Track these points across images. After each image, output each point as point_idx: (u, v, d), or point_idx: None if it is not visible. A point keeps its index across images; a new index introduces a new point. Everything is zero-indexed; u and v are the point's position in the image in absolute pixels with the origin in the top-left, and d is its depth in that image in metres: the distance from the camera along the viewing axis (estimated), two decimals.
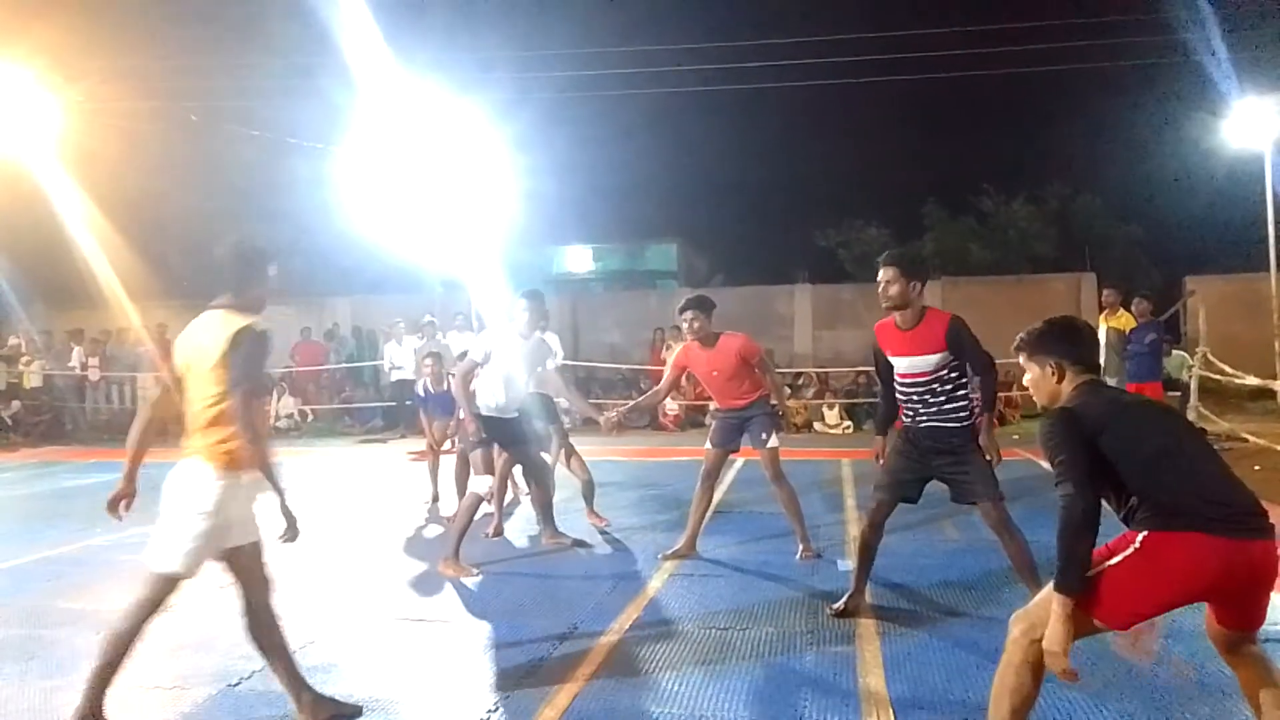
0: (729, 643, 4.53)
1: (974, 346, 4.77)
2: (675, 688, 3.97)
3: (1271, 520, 2.81)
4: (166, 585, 3.43)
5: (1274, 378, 12.18)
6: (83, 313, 17.27)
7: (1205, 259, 16.91)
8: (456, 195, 15.45)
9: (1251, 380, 10.92)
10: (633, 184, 28.58)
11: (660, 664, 4.26)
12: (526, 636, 4.69)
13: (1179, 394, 10.73)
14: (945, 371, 4.74)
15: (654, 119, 30.97)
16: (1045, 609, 2.82)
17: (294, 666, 3.62)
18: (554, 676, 4.12)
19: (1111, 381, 9.91)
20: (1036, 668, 2.87)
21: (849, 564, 5.50)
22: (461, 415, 6.28)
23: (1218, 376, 10.84)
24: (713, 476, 6.30)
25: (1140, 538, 2.77)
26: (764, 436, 6.05)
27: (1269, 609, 2.91)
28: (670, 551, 6.23)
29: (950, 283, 17.16)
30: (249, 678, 4.19)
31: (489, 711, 3.80)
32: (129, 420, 16.08)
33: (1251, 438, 9.97)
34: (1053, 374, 3.07)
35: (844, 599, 4.94)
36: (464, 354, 6.82)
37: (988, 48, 22.76)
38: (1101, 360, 9.82)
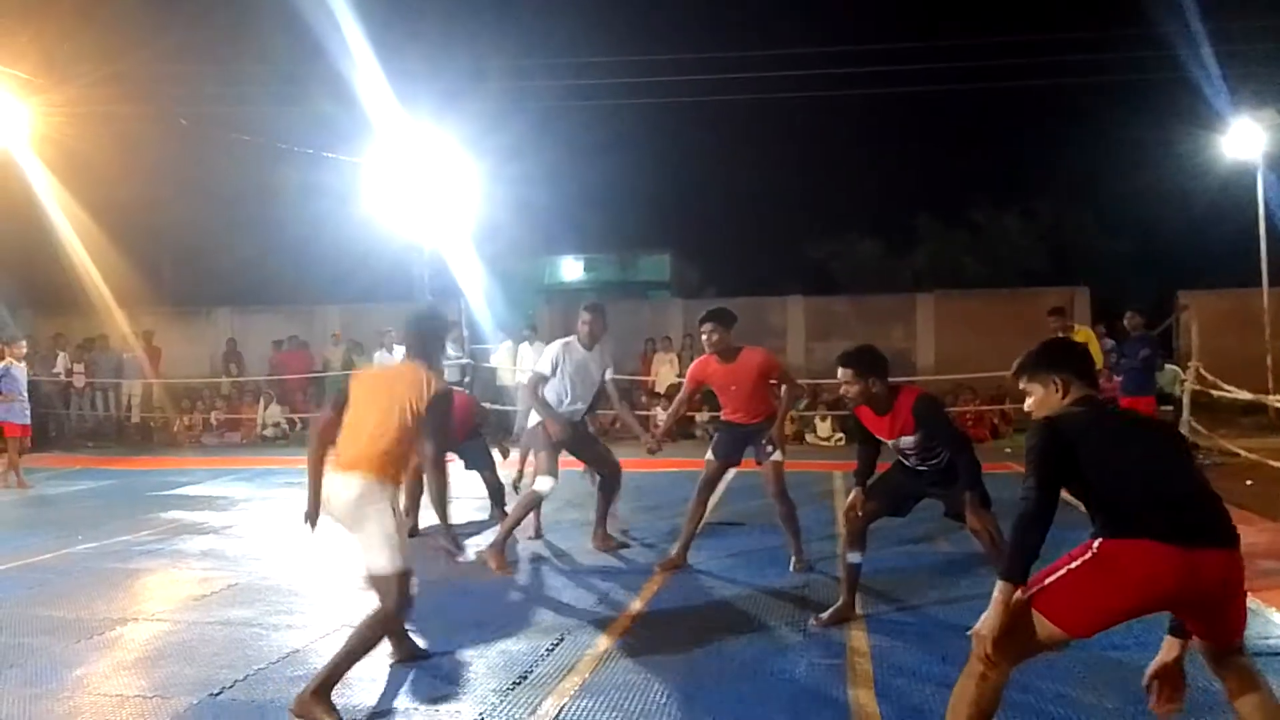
0: (718, 654, 4.48)
1: (943, 427, 4.79)
2: (663, 699, 3.92)
3: (1238, 533, 2.85)
4: (403, 581, 3.87)
5: (1266, 392, 12.20)
6: (68, 318, 17.16)
7: (1198, 274, 16.93)
8: (448, 204, 15.42)
9: (1244, 395, 10.92)
10: (625, 195, 28.59)
11: (649, 675, 4.20)
12: (515, 646, 4.64)
13: (1171, 408, 10.73)
14: (931, 443, 4.78)
15: (647, 130, 31.05)
16: (1005, 618, 2.85)
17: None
18: (541, 687, 4.07)
19: None
20: (998, 680, 2.91)
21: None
22: (540, 419, 6.45)
23: (1210, 391, 10.84)
24: (711, 487, 6.27)
25: (1097, 544, 2.85)
26: (769, 450, 6.02)
27: (1245, 621, 2.94)
28: (664, 561, 6.19)
29: (942, 296, 17.17)
30: (230, 687, 4.12)
31: None
32: (113, 427, 16.01)
33: (1244, 452, 9.96)
34: (1057, 391, 3.14)
35: (831, 609, 4.90)
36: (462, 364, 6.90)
37: (981, 62, 22.84)
38: None
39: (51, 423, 15.81)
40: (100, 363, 16.07)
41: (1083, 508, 2.99)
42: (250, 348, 17.35)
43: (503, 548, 6.28)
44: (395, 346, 13.89)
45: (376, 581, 3.91)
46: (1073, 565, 2.86)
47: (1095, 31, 23.13)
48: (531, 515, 6.94)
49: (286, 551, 7.04)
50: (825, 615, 4.88)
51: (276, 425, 15.65)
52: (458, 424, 6.54)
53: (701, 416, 14.46)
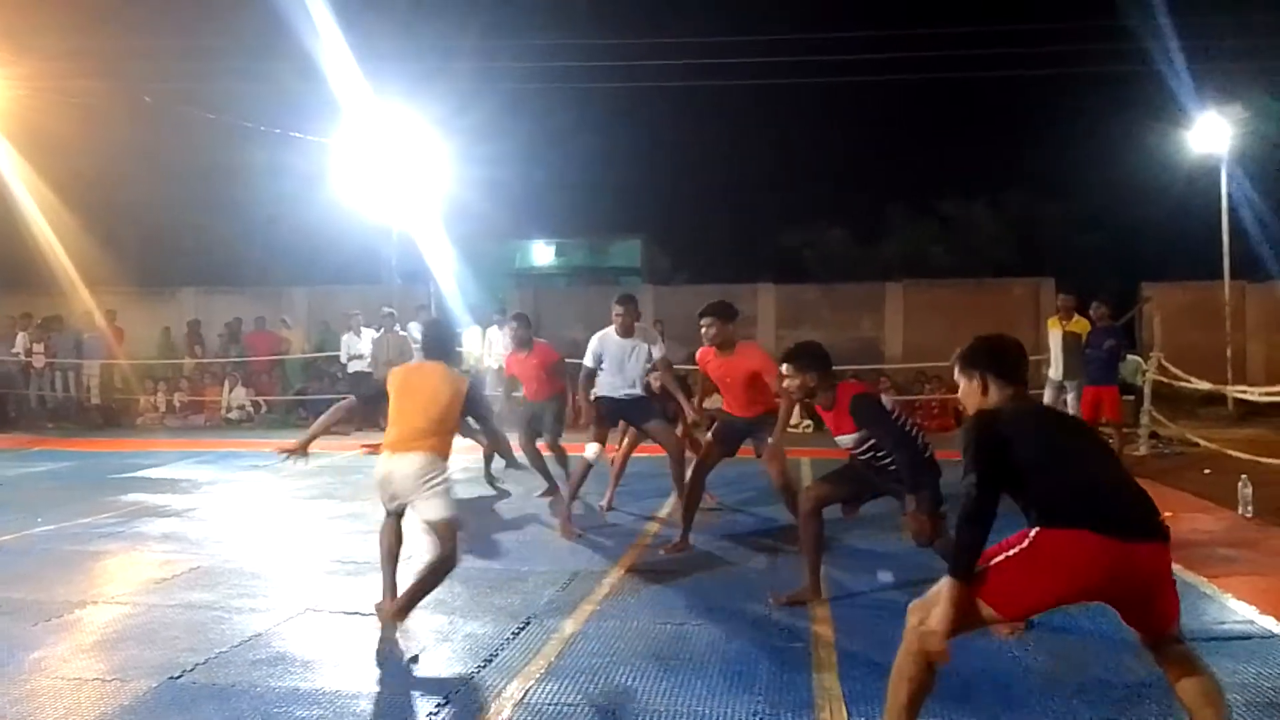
0: (685, 638, 4.49)
1: (880, 425, 4.70)
2: (629, 682, 3.92)
3: (1166, 525, 2.93)
4: (454, 526, 4.60)
5: (1225, 384, 12.39)
6: (31, 297, 16.83)
7: (1163, 267, 17.16)
8: (418, 186, 15.29)
9: (1204, 386, 11.08)
10: (597, 179, 28.48)
11: (615, 659, 4.20)
12: (480, 630, 4.62)
13: (1133, 398, 10.87)
14: (873, 440, 4.79)
15: (619, 114, 30.90)
16: (955, 614, 2.93)
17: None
18: (507, 670, 4.06)
19: (1070, 385, 10.07)
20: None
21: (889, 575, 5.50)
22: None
23: (1171, 382, 10.99)
24: (706, 471, 6.30)
25: (1033, 534, 2.92)
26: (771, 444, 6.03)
27: (1178, 610, 2.98)
28: (670, 545, 6.24)
29: (911, 285, 17.27)
30: (191, 670, 4.07)
31: (440, 705, 3.72)
32: (74, 408, 15.76)
33: (1203, 442, 10.11)
34: (978, 387, 3.24)
35: (795, 590, 4.96)
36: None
37: (953, 52, 22.92)
38: (1060, 364, 10.07)
39: (11, 403, 15.55)
40: (58, 343, 15.77)
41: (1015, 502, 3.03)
42: (215, 329, 17.12)
43: (568, 516, 6.86)
44: (363, 329, 13.78)
45: (437, 526, 4.55)
46: (1011, 553, 2.92)
47: (1065, 25, 23.27)
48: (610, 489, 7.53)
49: (249, 535, 6.98)
50: (784, 595, 4.95)
51: (241, 408, 15.47)
52: (543, 371, 7.92)
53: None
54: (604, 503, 7.55)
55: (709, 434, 6.40)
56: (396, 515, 4.72)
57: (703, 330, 6.23)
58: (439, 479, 4.55)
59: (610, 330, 6.88)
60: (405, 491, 4.54)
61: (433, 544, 4.61)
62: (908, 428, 4.71)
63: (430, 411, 4.61)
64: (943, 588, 2.93)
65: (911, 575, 5.57)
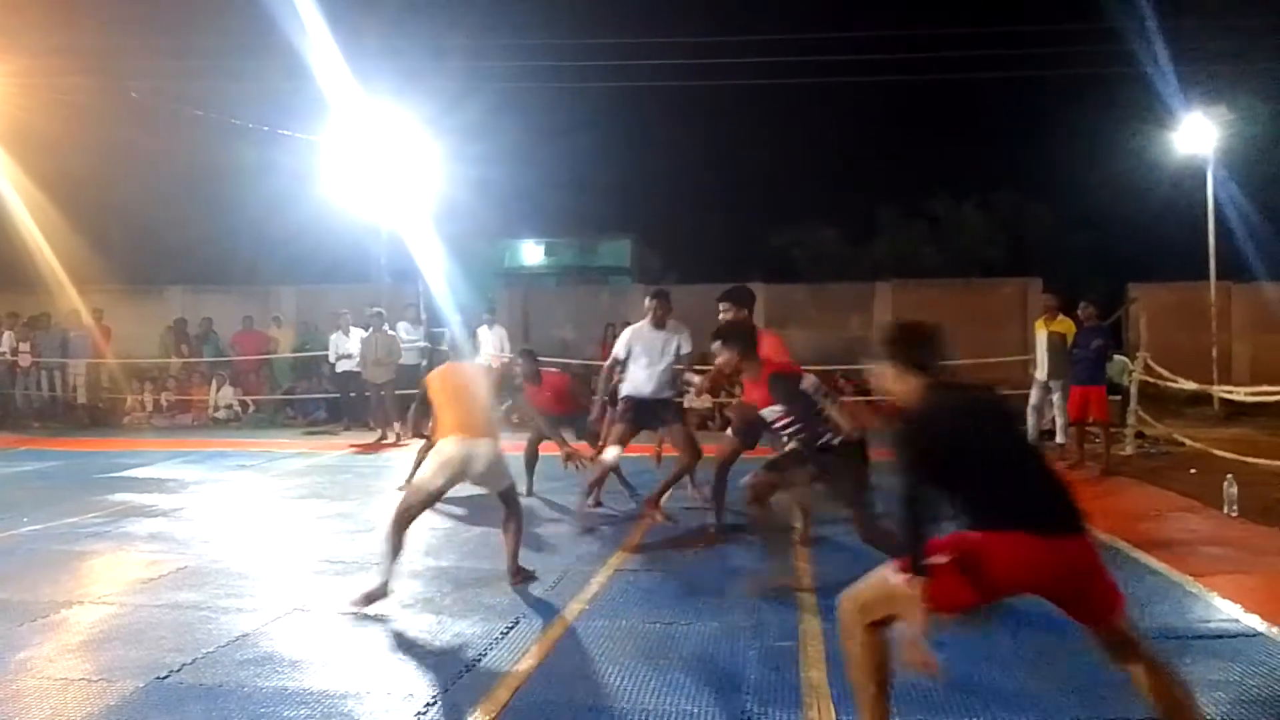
0: (673, 637, 4.50)
1: (790, 399, 5.04)
2: (617, 682, 3.93)
3: (1085, 517, 2.99)
4: (515, 488, 5.51)
5: (1211, 384, 12.47)
6: (17, 295, 16.71)
7: (1149, 267, 17.24)
8: (407, 184, 15.24)
9: (1190, 386, 11.15)
10: (587, 179, 28.44)
11: (603, 658, 4.21)
12: (469, 629, 4.62)
13: (1119, 398, 10.92)
14: (791, 416, 5.06)
15: (609, 113, 30.96)
16: (876, 589, 3.02)
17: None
18: (495, 670, 4.06)
19: (1055, 384, 10.12)
20: (877, 637, 3.06)
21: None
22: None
23: (1157, 382, 11.05)
24: (730, 465, 6.39)
25: (969, 535, 2.96)
26: (785, 440, 6.07)
27: (1118, 600, 3.07)
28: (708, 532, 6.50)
29: (900, 285, 17.31)
30: (179, 670, 4.06)
31: (428, 705, 3.72)
32: (60, 408, 15.64)
33: (1189, 441, 10.17)
34: (891, 372, 3.24)
35: (765, 577, 5.19)
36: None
37: (943, 54, 23.00)
38: (1045, 364, 10.12)
39: None
40: (44, 341, 15.67)
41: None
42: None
43: (587, 495, 7.26)
44: (351, 328, 13.74)
45: (505, 493, 5.36)
46: (948, 557, 2.93)
47: (1053, 28, 23.37)
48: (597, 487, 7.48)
49: (237, 535, 6.95)
50: (758, 585, 5.10)
51: (229, 407, 15.41)
52: (559, 402, 8.01)
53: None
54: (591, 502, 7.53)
55: (729, 429, 6.52)
56: (435, 500, 5.25)
57: (721, 317, 6.25)
58: (502, 456, 5.29)
59: (643, 323, 7.07)
60: (487, 469, 5.19)
61: (504, 508, 5.40)
62: (817, 410, 5.00)
63: (486, 403, 5.40)
64: (902, 591, 2.91)
65: None
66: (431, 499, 5.17)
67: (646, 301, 7.17)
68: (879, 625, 3.05)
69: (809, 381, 5.21)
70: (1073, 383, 9.67)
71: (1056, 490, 3.00)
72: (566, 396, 8.31)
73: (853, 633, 3.08)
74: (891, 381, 3.24)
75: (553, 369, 8.77)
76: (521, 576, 5.41)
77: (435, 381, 5.52)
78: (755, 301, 6.52)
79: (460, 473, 5.13)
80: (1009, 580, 2.96)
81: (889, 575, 2.99)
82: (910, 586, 2.89)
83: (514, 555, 5.43)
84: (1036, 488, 2.99)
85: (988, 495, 2.96)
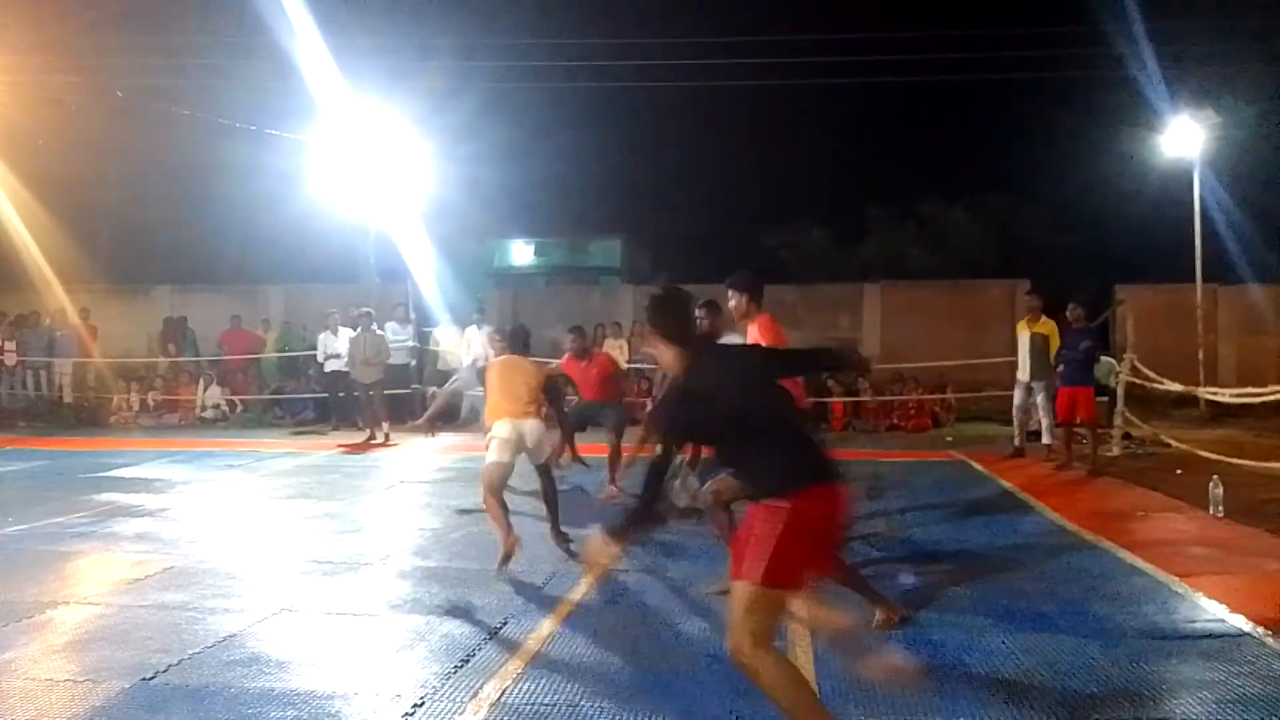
0: (662, 637, 4.50)
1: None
2: (606, 682, 3.93)
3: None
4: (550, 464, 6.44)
5: (1197, 385, 12.52)
6: (2, 294, 16.61)
7: (1137, 269, 17.31)
8: (396, 184, 15.20)
9: (1176, 387, 11.19)
10: (577, 178, 28.38)
11: (591, 660, 4.21)
12: (457, 630, 4.61)
13: (1106, 399, 10.96)
14: None
15: (599, 113, 30.87)
16: (744, 614, 3.00)
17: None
18: (483, 671, 4.05)
19: (1038, 385, 10.19)
20: (775, 654, 3.08)
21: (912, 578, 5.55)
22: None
23: (1144, 383, 11.09)
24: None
25: (777, 505, 3.03)
26: None
27: None
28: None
29: (889, 286, 17.35)
30: (164, 671, 4.04)
31: (415, 706, 3.71)
32: (46, 407, 15.53)
33: (1175, 443, 10.22)
34: (663, 344, 3.33)
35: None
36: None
37: (932, 56, 23.07)
38: (1028, 365, 10.18)
39: None
40: (31, 340, 15.57)
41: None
42: (191, 327, 16.94)
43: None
44: (340, 328, 13.69)
45: (543, 468, 6.24)
46: (773, 534, 2.99)
47: (1042, 31, 23.43)
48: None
49: (224, 535, 6.92)
50: (714, 588, 4.97)
51: (216, 406, 15.33)
52: (603, 384, 8.40)
53: None
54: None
55: None
56: (510, 473, 5.98)
57: (730, 304, 6.06)
58: (545, 431, 6.13)
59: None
60: (534, 444, 6.03)
61: (540, 478, 6.27)
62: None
63: (533, 392, 6.09)
64: (748, 598, 3.01)
65: (886, 578, 5.61)
66: (507, 472, 5.92)
67: (697, 311, 6.99)
68: (770, 639, 3.05)
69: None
70: (1061, 384, 9.71)
71: (819, 442, 3.24)
72: (610, 381, 8.51)
73: (757, 667, 2.99)
74: (660, 352, 3.36)
75: (604, 352, 8.90)
76: (563, 540, 6.12)
77: (491, 372, 6.20)
78: (762, 289, 6.09)
79: (518, 447, 5.97)
80: (832, 533, 3.21)
81: (736, 592, 3.05)
82: (767, 585, 2.98)
83: (555, 521, 6.24)
84: (810, 441, 3.21)
85: (783, 457, 3.10)
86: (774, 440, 3.14)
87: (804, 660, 4.14)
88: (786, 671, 3.06)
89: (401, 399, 14.01)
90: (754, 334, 5.81)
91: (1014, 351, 10.67)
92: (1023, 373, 10.40)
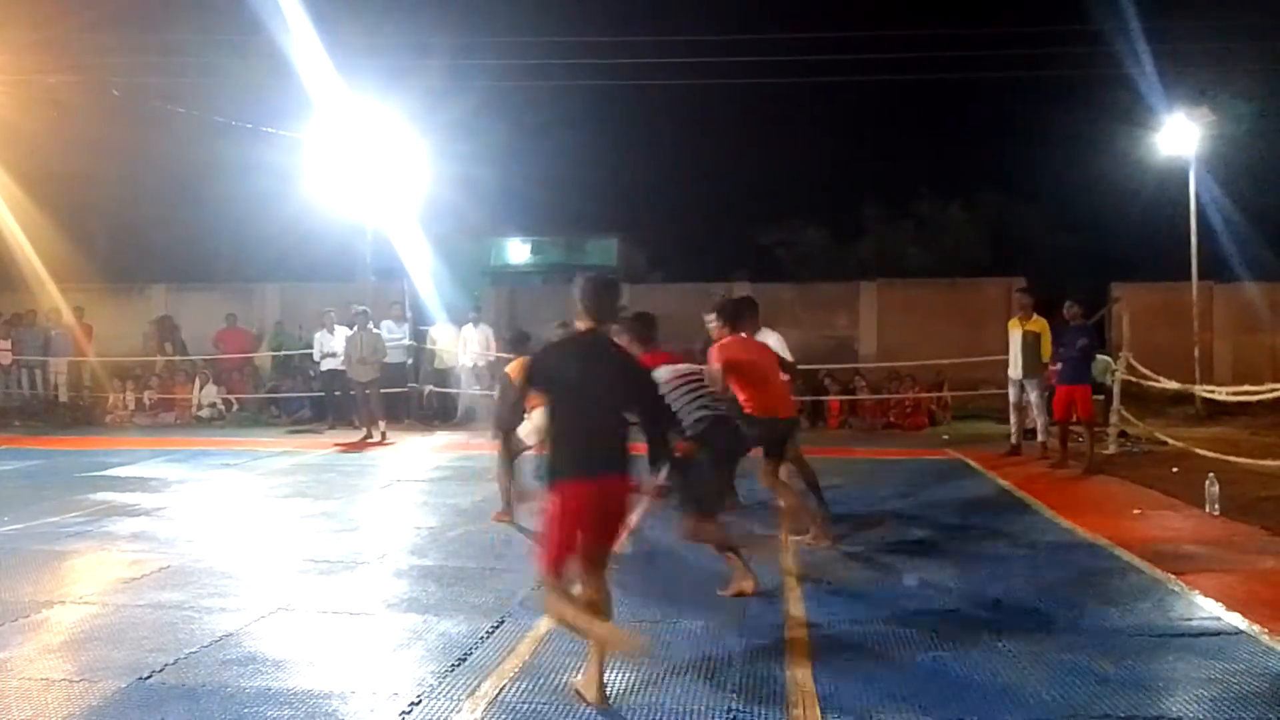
0: (658, 636, 4.49)
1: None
2: (604, 680, 3.91)
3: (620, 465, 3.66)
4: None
5: (1193, 383, 12.54)
6: None
7: (1133, 267, 17.32)
8: (392, 182, 15.18)
9: (1172, 385, 11.22)
10: (573, 177, 28.30)
11: (588, 656, 4.19)
12: (454, 628, 4.61)
13: (1103, 397, 10.98)
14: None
15: (596, 111, 30.81)
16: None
17: None
18: (481, 668, 4.05)
19: (1030, 383, 10.22)
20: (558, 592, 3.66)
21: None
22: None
23: (1140, 381, 11.11)
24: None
25: (550, 492, 3.61)
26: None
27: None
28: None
29: (885, 284, 17.36)
30: (160, 670, 4.03)
31: (413, 704, 3.70)
32: (41, 406, 15.49)
33: (1171, 441, 10.24)
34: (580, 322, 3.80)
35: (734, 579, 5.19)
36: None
37: (929, 54, 23.05)
38: (1020, 362, 10.20)
39: None
40: (26, 339, 15.54)
41: None
42: (186, 326, 16.90)
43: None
44: (336, 326, 13.68)
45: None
46: (545, 519, 3.63)
47: (1038, 29, 23.44)
48: None
49: (220, 534, 6.91)
50: (731, 589, 5.09)
51: (212, 405, 15.31)
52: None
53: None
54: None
55: None
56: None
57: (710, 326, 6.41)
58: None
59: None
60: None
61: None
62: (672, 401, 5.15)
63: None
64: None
65: (885, 575, 5.62)
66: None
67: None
68: (560, 591, 3.64)
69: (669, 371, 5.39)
70: (1058, 382, 9.72)
71: (604, 436, 3.64)
72: None
73: (551, 606, 3.70)
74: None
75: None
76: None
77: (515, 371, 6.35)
78: (747, 312, 6.49)
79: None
80: (575, 523, 3.59)
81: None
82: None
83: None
84: (588, 436, 3.63)
85: (565, 446, 3.64)
86: (572, 432, 3.64)
87: (800, 657, 4.14)
88: (562, 595, 3.64)
89: (397, 397, 14.00)
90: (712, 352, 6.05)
91: (1009, 350, 10.69)
92: (1014, 370, 10.43)
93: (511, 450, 6.43)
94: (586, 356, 3.74)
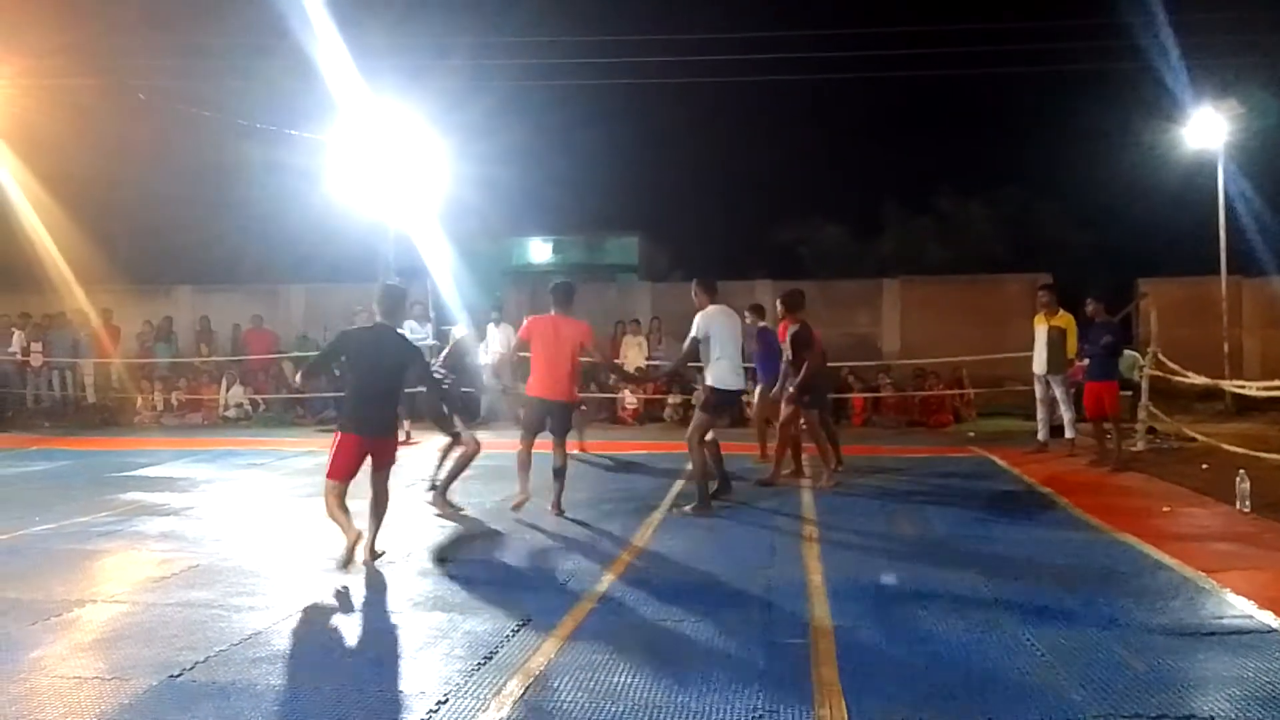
0: (684, 634, 4.49)
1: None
2: (628, 679, 3.92)
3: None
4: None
5: (1222, 378, 12.40)
6: (24, 295, 16.77)
7: (1159, 262, 17.15)
8: (414, 183, 15.24)
9: (1200, 381, 11.09)
10: (594, 176, 28.34)
11: (613, 655, 4.20)
12: (480, 626, 4.62)
13: (1130, 393, 10.88)
14: None
15: (616, 110, 30.80)
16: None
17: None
18: (506, 668, 4.06)
19: (1054, 380, 10.15)
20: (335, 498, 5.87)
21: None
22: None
23: (1168, 377, 10.99)
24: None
25: (337, 436, 5.83)
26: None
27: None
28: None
29: (906, 281, 17.28)
30: (191, 669, 4.07)
31: (439, 703, 3.72)
32: (71, 408, 15.66)
33: (1200, 437, 10.13)
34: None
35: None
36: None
37: (949, 49, 22.92)
38: (1044, 358, 10.13)
39: (8, 402, 15.51)
40: (56, 341, 15.73)
41: None
42: (214, 326, 17.06)
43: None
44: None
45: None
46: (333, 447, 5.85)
47: (1061, 23, 23.27)
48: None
49: (247, 533, 6.97)
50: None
51: (239, 406, 15.44)
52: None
53: (674, 399, 14.46)
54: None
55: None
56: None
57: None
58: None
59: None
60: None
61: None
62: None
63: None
64: None
65: (909, 573, 5.59)
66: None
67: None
68: (337, 495, 5.81)
69: None
70: (1085, 379, 9.65)
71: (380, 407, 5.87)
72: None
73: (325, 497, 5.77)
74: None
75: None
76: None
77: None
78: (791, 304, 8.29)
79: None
80: (358, 456, 5.81)
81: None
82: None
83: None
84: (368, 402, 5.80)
85: (348, 407, 5.89)
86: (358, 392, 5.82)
87: (826, 654, 4.12)
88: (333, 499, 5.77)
89: (416, 396, 14.04)
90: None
91: (1033, 346, 10.63)
92: (1038, 366, 10.39)
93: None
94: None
